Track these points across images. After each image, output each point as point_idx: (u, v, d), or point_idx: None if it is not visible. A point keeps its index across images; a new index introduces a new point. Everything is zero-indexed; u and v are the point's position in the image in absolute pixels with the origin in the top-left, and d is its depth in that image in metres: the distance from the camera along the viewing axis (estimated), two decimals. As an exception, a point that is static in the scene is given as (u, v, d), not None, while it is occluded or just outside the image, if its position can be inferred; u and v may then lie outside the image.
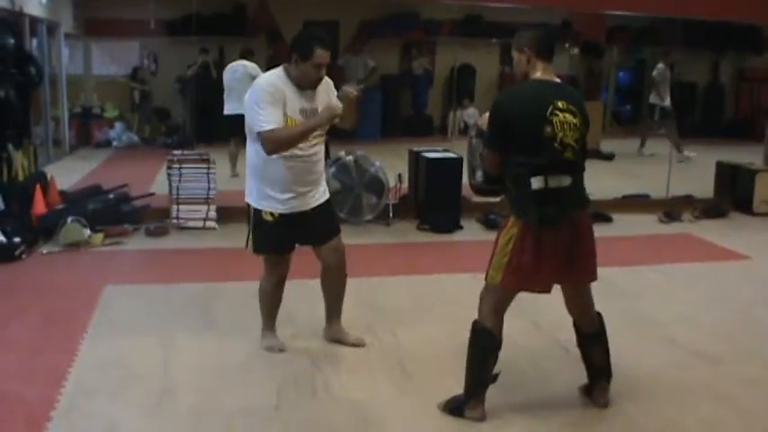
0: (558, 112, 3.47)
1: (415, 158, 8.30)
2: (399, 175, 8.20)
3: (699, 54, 13.75)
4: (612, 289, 5.60)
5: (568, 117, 3.49)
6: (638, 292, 5.92)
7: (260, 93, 4.08)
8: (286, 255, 4.47)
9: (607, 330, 3.94)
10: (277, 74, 4.18)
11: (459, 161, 7.95)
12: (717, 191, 9.42)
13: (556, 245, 3.56)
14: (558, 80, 3.65)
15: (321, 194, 4.41)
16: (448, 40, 13.87)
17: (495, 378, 3.77)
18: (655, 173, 9.61)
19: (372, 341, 4.78)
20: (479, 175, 3.83)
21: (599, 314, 3.92)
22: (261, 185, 4.25)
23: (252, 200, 4.33)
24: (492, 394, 3.79)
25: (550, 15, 13.00)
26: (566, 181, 3.54)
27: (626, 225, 8.16)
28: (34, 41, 10.34)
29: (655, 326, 5.19)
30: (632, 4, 9.27)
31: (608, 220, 8.28)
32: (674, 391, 4.20)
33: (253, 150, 4.22)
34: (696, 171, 10.12)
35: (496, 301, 3.70)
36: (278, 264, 4.46)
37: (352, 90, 4.27)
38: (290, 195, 4.24)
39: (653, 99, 11.99)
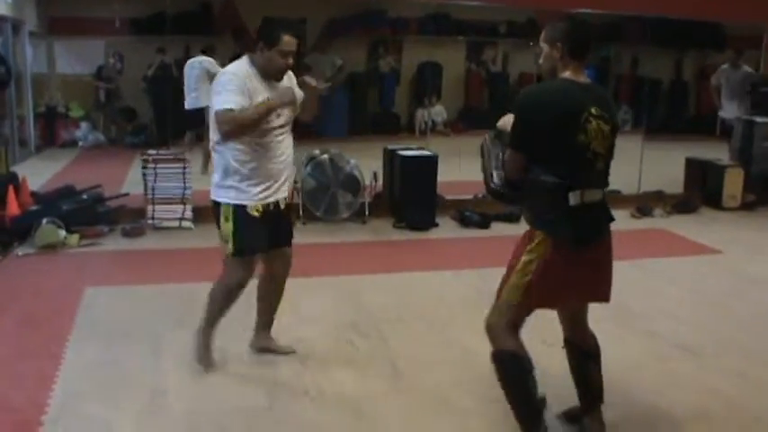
0: (592, 119, 3.13)
1: (390, 156, 8.31)
2: (375, 173, 8.20)
3: (663, 51, 13.95)
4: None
5: (602, 124, 3.16)
6: (617, 287, 5.93)
7: (226, 78, 3.89)
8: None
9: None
10: (242, 63, 3.99)
11: (434, 159, 8.00)
12: (687, 186, 9.57)
13: (585, 265, 3.28)
14: (588, 81, 3.27)
15: (287, 186, 4.20)
16: (415, 38, 13.87)
17: (544, 402, 3.34)
18: (624, 168, 9.70)
19: (359, 340, 4.78)
20: (497, 178, 3.38)
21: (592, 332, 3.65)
22: (236, 182, 3.98)
23: (229, 198, 4.00)
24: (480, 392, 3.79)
25: (517, 13, 13.16)
26: (598, 195, 3.25)
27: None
28: (-1, 40, 10.20)
29: (636, 319, 5.26)
30: (600, 3, 9.36)
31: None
32: (661, 383, 4.26)
33: (223, 147, 3.98)
34: (663, 166, 10.23)
35: (510, 320, 3.29)
36: (251, 263, 4.16)
37: (311, 80, 4.13)
38: (264, 185, 4.01)
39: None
